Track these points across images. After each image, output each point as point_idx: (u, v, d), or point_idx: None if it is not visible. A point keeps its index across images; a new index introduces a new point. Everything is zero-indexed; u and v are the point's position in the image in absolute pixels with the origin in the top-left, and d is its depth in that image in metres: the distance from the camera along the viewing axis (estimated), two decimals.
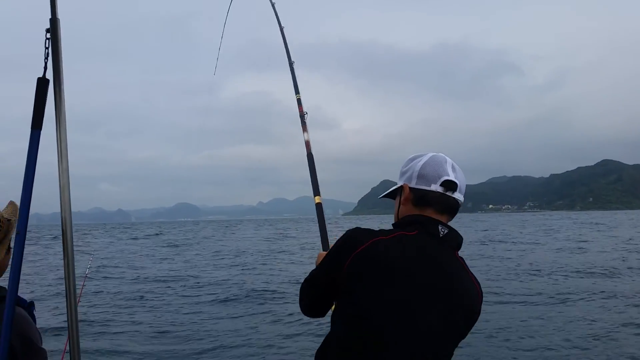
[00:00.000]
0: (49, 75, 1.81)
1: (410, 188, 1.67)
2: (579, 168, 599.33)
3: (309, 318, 1.91)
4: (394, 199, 1.79)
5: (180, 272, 19.97)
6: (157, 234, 63.18)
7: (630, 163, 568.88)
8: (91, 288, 15.20)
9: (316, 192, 2.86)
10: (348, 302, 1.54)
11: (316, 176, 2.91)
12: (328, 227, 2.70)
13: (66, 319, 1.80)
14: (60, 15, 1.82)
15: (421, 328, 1.48)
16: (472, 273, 1.66)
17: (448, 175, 1.63)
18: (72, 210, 1.85)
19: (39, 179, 1.79)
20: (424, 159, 1.68)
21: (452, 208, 1.67)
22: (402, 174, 1.73)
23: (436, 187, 1.63)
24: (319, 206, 2.82)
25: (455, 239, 1.64)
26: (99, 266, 21.61)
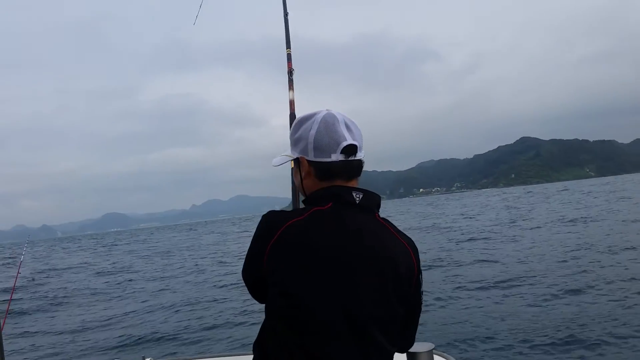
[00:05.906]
0: None
1: (308, 161, 1.52)
2: (499, 147, 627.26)
3: None
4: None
5: None
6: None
7: (547, 138, 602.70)
8: None
9: None
10: (276, 293, 1.41)
11: None
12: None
13: None
14: None
15: (355, 303, 1.38)
16: (399, 232, 1.53)
17: (346, 140, 1.48)
18: None
19: None
20: (315, 126, 1.50)
21: (357, 170, 1.53)
22: (295, 142, 1.56)
23: (337, 157, 1.48)
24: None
25: (373, 201, 1.52)
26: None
